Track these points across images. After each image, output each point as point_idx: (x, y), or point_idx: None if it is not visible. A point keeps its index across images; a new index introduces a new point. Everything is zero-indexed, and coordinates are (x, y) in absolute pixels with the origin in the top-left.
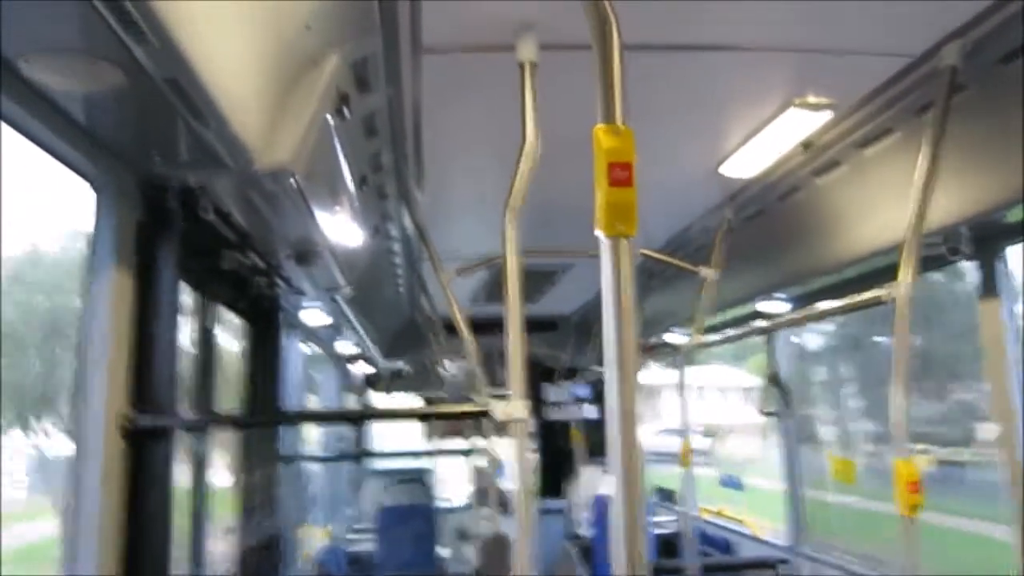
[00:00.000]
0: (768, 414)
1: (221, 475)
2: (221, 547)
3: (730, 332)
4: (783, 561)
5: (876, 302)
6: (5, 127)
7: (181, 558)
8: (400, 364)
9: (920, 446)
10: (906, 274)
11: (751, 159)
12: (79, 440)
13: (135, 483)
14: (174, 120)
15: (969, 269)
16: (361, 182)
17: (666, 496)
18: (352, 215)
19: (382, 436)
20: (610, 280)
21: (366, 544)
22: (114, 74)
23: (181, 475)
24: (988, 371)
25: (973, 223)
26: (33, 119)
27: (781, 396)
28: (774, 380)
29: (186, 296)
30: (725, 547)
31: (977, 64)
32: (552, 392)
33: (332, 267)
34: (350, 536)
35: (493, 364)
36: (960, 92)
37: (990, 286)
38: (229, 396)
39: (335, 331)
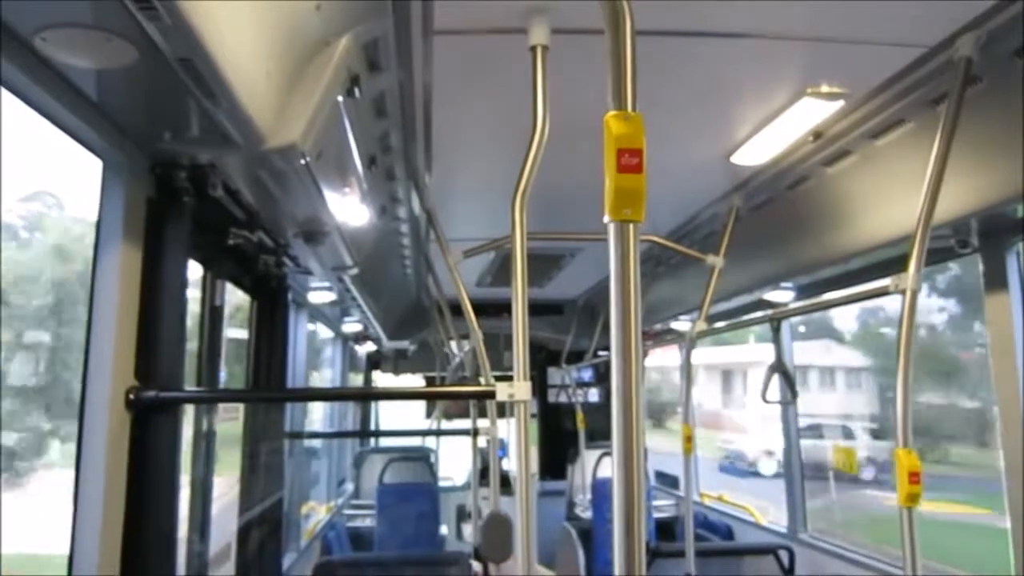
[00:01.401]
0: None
1: (226, 450)
2: (224, 520)
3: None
4: (783, 547)
5: (883, 292)
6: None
7: (184, 530)
8: (406, 344)
9: None
10: (913, 265)
11: (762, 148)
12: (85, 414)
13: (141, 457)
14: (185, 98)
15: None
16: (370, 163)
17: (669, 481)
18: (360, 195)
19: (386, 414)
20: (617, 265)
21: (367, 520)
22: (127, 51)
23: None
24: (995, 365)
25: (982, 216)
26: (46, 95)
27: (786, 384)
28: (779, 368)
29: (194, 272)
30: (726, 533)
31: (992, 56)
32: (557, 375)
33: (340, 247)
34: (351, 512)
35: (498, 346)
36: (974, 84)
37: (998, 280)
38: (236, 373)
39: (342, 310)
